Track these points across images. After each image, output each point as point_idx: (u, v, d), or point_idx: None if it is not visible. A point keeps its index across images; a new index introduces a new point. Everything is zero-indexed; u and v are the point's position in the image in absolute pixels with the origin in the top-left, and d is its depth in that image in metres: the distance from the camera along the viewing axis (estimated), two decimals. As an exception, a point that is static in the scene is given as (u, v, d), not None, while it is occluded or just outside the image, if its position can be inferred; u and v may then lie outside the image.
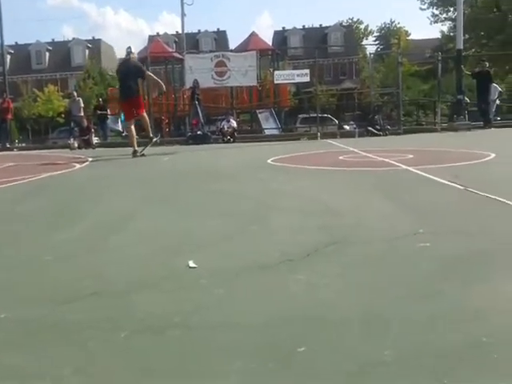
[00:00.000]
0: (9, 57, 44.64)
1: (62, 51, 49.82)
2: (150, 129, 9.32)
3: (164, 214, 3.47)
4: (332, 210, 3.35)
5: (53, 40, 51.86)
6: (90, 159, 8.42)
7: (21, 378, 1.36)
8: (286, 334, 1.55)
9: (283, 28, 52.58)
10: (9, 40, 33.17)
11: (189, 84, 16.40)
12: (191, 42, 44.99)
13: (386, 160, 6.14)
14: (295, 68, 35.39)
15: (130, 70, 8.72)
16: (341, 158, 6.94)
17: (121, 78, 9.07)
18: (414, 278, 2.01)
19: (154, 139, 9.35)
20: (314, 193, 4.11)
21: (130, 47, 9.26)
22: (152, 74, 9.67)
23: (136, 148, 8.57)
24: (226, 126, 15.11)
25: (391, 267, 2.15)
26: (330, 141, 11.69)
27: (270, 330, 1.58)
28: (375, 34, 56.10)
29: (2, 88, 20.29)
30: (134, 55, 9.23)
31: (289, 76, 17.64)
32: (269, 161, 6.70)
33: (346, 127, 21.88)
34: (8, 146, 16.19)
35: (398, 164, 5.62)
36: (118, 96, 9.78)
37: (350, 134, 15.20)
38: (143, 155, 8.51)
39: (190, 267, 2.19)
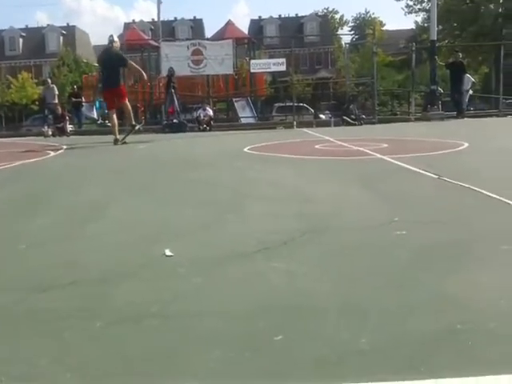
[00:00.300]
0: (-20, 43, 43.40)
1: (36, 38, 48.53)
2: (131, 116, 9.11)
3: (141, 203, 3.42)
4: (308, 199, 3.35)
5: (26, 26, 50.49)
6: (65, 147, 8.24)
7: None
8: (263, 322, 1.54)
9: (259, 17, 52.27)
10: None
11: (165, 72, 16.19)
12: (167, 30, 44.32)
13: (361, 149, 6.17)
14: (271, 57, 35.25)
15: (112, 59, 8.52)
16: (317, 146, 6.95)
17: (103, 68, 8.86)
18: (391, 267, 2.02)
19: (137, 126, 9.15)
20: (290, 181, 4.11)
21: (112, 35, 9.03)
22: (134, 64, 9.41)
23: (117, 136, 8.44)
24: (202, 115, 15.00)
25: (368, 256, 2.16)
26: (305, 130, 11.71)
27: (247, 319, 1.57)
28: (350, 24, 56.24)
29: (-27, 74, 19.69)
30: (116, 44, 8.82)
31: (265, 65, 17.59)
32: (245, 149, 6.67)
33: (322, 116, 21.91)
34: (-20, 133, 15.76)
35: (372, 153, 5.66)
36: (101, 85, 9.52)
37: (325, 124, 15.26)
38: (125, 143, 8.37)
39: (167, 256, 2.17)
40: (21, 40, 48.88)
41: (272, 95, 26.98)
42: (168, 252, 2.19)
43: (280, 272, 1.98)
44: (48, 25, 51.13)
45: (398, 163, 4.75)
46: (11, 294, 1.81)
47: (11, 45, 48.40)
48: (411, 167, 4.42)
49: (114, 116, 8.71)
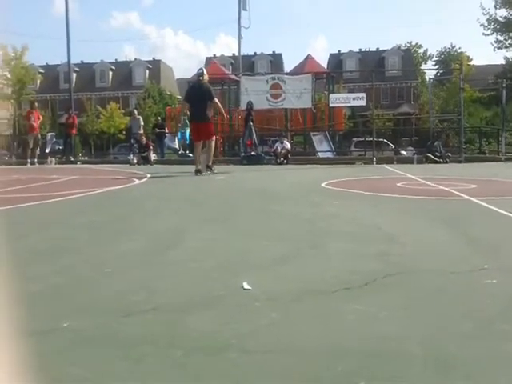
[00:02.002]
0: (75, 75, 47.16)
1: (124, 71, 52.08)
2: (210, 157, 8.98)
3: (219, 233, 3.49)
4: (390, 238, 3.26)
5: (116, 60, 54.44)
6: (149, 175, 8.68)
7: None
8: (342, 365, 1.50)
9: (339, 51, 52.67)
10: (75, 59, 35.02)
11: (244, 105, 16.67)
12: (247, 64, 45.90)
13: (447, 189, 5.94)
14: (351, 91, 35.33)
15: (201, 93, 8.68)
16: (398, 184, 6.79)
17: (191, 101, 8.93)
18: (479, 316, 1.90)
19: (208, 172, 8.87)
20: (371, 219, 4.02)
21: (201, 68, 9.24)
22: (218, 103, 9.37)
23: (199, 167, 8.63)
24: (279, 148, 15.20)
25: (455, 303, 2.05)
26: (386, 166, 11.49)
27: (326, 361, 1.54)
28: (435, 58, 55.09)
29: (68, 104, 21.37)
30: (205, 77, 8.98)
31: (344, 99, 17.61)
32: (323, 184, 6.65)
33: (403, 153, 21.44)
34: (72, 159, 16.97)
35: (460, 194, 5.43)
36: (185, 117, 9.74)
37: (407, 160, 14.88)
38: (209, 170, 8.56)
39: (245, 289, 2.19)
40: (110, 73, 52.66)
41: (351, 129, 26.91)
42: (246, 285, 2.21)
43: (361, 314, 1.92)
44: (135, 59, 54.74)
45: (488, 206, 4.52)
46: (95, 317, 1.89)
47: (101, 77, 52.25)
48: (503, 211, 4.18)
49: (199, 148, 8.83)
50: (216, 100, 9.17)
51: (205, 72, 9.14)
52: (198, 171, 8.60)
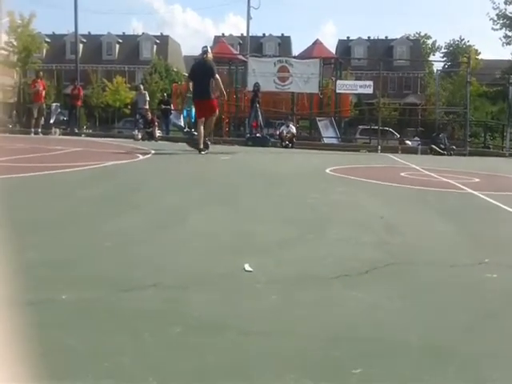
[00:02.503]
0: (81, 46, 46.63)
1: (131, 45, 51.54)
2: (206, 134, 8.96)
3: (222, 214, 3.49)
4: (391, 228, 3.26)
5: (123, 33, 53.78)
6: (153, 151, 8.66)
7: (79, 359, 1.39)
8: (340, 352, 1.50)
9: (348, 38, 52.10)
10: (82, 30, 34.63)
11: (250, 86, 16.54)
12: (255, 45, 45.46)
13: (451, 181, 5.93)
14: (358, 78, 35.01)
15: (204, 71, 8.68)
16: (402, 174, 6.78)
17: (194, 77, 8.97)
18: (477, 309, 1.91)
19: (202, 152, 8.78)
20: (374, 208, 4.02)
21: (206, 46, 9.18)
22: (219, 80, 9.29)
23: (201, 146, 8.64)
24: (285, 131, 15.13)
25: (454, 296, 2.06)
26: (390, 155, 11.46)
27: (324, 346, 1.54)
28: (443, 50, 54.51)
29: (74, 75, 21.21)
30: (209, 55, 8.96)
31: (351, 86, 17.48)
32: (327, 170, 6.63)
33: (408, 142, 21.35)
34: (76, 131, 16.89)
35: (463, 187, 5.41)
36: (190, 94, 9.69)
37: (412, 150, 14.84)
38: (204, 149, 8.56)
39: (246, 270, 2.18)
40: (117, 46, 52.10)
41: (356, 117, 26.76)
42: (248, 267, 2.21)
43: (360, 302, 1.93)
44: (143, 33, 54.12)
45: (491, 200, 4.51)
46: (93, 290, 1.89)
47: (108, 50, 51.73)
48: (505, 206, 4.17)
49: (202, 126, 8.83)
50: (217, 77, 9.10)
51: (209, 50, 9.13)
52: (201, 150, 8.58)
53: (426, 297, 2.03)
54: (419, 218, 3.72)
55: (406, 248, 2.75)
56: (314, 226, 3.23)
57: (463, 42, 52.36)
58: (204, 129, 8.90)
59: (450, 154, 13.29)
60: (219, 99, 17.21)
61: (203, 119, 8.90)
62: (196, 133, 9.20)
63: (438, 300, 2.00)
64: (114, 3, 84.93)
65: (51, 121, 17.30)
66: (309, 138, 19.32)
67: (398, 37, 51.20)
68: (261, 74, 17.24)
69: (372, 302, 1.92)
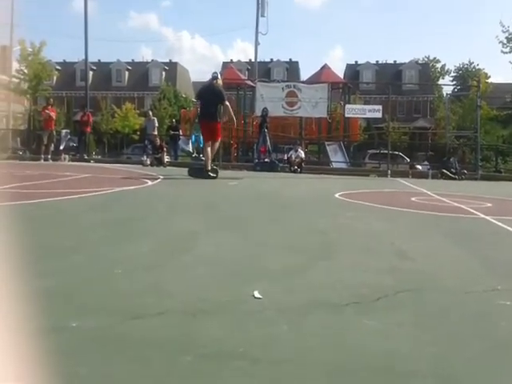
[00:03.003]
0: (91, 73, 47.56)
1: (140, 71, 52.47)
2: (211, 157, 9.09)
3: (230, 239, 3.50)
4: (403, 254, 3.25)
5: (132, 60, 54.88)
6: (161, 177, 8.74)
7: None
8: (352, 381, 1.50)
9: (356, 62, 52.64)
10: (92, 57, 35.38)
11: (259, 111, 16.72)
12: (263, 71, 46.02)
13: (462, 206, 5.90)
14: (367, 103, 35.23)
15: (212, 94, 8.86)
16: (413, 199, 6.76)
17: (202, 100, 9.19)
18: (490, 338, 1.88)
19: (208, 175, 8.89)
20: (384, 233, 4.01)
21: (216, 72, 9.44)
22: (229, 106, 9.50)
23: (208, 168, 8.75)
24: (293, 156, 15.22)
25: (466, 323, 2.04)
26: (400, 180, 11.45)
27: (337, 375, 1.53)
28: (452, 74, 54.84)
29: (84, 102, 21.59)
30: (219, 80, 9.18)
31: (360, 110, 17.61)
32: (337, 195, 6.64)
33: (418, 167, 21.34)
34: (85, 157, 17.10)
35: (474, 212, 5.38)
36: (197, 119, 9.87)
37: (422, 175, 14.82)
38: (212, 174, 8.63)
39: (256, 297, 2.18)
40: (126, 73, 53.06)
41: (366, 141, 26.82)
42: (257, 294, 2.21)
43: (372, 330, 1.91)
44: (152, 60, 55.14)
45: (504, 226, 4.47)
46: (104, 317, 1.89)
47: (118, 76, 52.67)
48: (519, 231, 4.14)
49: (209, 148, 8.97)
50: (227, 103, 9.29)
51: (219, 76, 9.34)
52: (207, 172, 8.68)
53: (438, 324, 2.02)
54: (430, 243, 3.70)
55: (418, 274, 2.74)
56: (323, 251, 3.23)
57: (472, 66, 52.69)
58: (211, 153, 9.01)
59: (461, 179, 13.27)
60: (229, 125, 17.44)
61: (210, 143, 9.03)
62: (203, 158, 9.30)
63: (451, 328, 1.98)
64: (123, 31, 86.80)
65: (61, 147, 17.54)
66: (317, 163, 19.40)
67: (407, 61, 51.67)
68: (269, 99, 17.44)
69: (383, 330, 1.91)
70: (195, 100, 9.96)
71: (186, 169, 10.38)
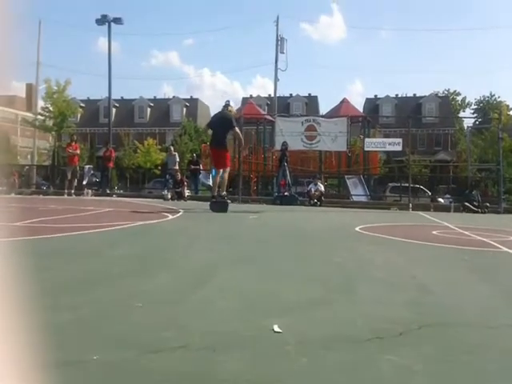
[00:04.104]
0: (114, 110, 48.78)
1: (162, 108, 53.58)
2: (224, 188, 9.15)
3: (250, 273, 3.50)
4: (424, 287, 3.21)
5: (154, 97, 56.09)
6: (182, 211, 8.83)
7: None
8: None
9: (375, 96, 52.97)
10: (115, 94, 36.28)
11: (278, 145, 16.85)
12: (283, 106, 46.62)
13: (486, 240, 5.81)
14: (386, 136, 35.23)
15: (222, 121, 9.03)
16: (434, 232, 6.69)
17: (212, 126, 9.32)
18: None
19: (214, 198, 9.06)
20: (405, 267, 3.98)
21: (228, 100, 9.70)
22: (239, 131, 9.74)
23: (215, 194, 8.92)
24: (313, 189, 15.22)
25: (492, 358, 1.99)
26: (422, 213, 11.34)
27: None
28: (473, 106, 54.78)
29: (107, 138, 22.08)
30: (230, 108, 9.40)
31: (380, 144, 17.55)
32: (357, 228, 6.62)
33: (440, 200, 21.12)
34: (108, 191, 17.37)
35: (498, 245, 5.30)
36: (210, 141, 10.00)
37: (444, 208, 14.64)
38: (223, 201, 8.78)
39: (275, 331, 2.17)
40: (148, 109, 54.25)
41: (386, 174, 26.76)
42: (276, 328, 2.20)
43: (394, 366, 1.88)
44: (174, 97, 56.29)
45: (528, 259, 4.39)
46: (125, 351, 1.90)
47: (140, 113, 53.87)
48: (544, 265, 4.05)
49: (218, 176, 9.09)
50: (237, 129, 9.45)
51: (231, 104, 9.57)
52: (213, 197, 8.83)
53: (462, 360, 1.97)
54: (453, 277, 3.64)
55: (440, 308, 2.69)
56: (343, 285, 3.20)
57: (494, 98, 52.61)
58: (221, 183, 9.12)
59: (484, 212, 13.07)
60: (249, 158, 17.56)
61: (219, 171, 9.14)
62: (224, 193, 9.40)
63: (475, 363, 1.94)
64: (145, 69, 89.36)
65: (84, 182, 17.86)
66: (337, 196, 19.34)
67: (427, 94, 51.78)
68: (288, 133, 17.58)
69: (406, 366, 1.87)
70: (207, 125, 10.10)
71: (207, 203, 10.49)
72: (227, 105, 9.41)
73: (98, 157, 33.78)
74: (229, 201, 9.49)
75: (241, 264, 3.84)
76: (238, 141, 9.52)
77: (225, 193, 9.26)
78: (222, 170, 9.09)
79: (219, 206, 8.79)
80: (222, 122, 9.04)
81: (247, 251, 4.52)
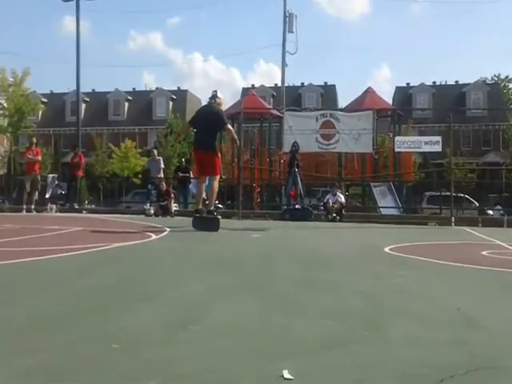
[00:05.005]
0: (84, 105, 49.17)
1: (142, 102, 53.92)
2: (213, 201, 9.25)
3: (252, 305, 3.51)
4: (472, 322, 3.21)
5: (133, 89, 56.47)
6: (168, 229, 8.88)
7: None
8: None
9: (407, 84, 53.21)
10: (85, 87, 36.54)
11: (287, 147, 16.90)
12: (293, 97, 46.92)
13: (547, 261, 5.82)
14: (422, 133, 35.42)
15: (210, 117, 8.99)
16: (483, 253, 6.72)
17: (197, 124, 9.32)
18: None
19: (198, 212, 9.10)
20: (447, 296, 3.99)
21: (216, 91, 9.63)
22: (231, 129, 9.72)
23: (200, 207, 8.94)
24: (331, 201, 15.25)
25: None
26: (467, 229, 11.34)
27: None
28: (531, 95, 54.84)
29: (75, 140, 22.21)
30: (219, 100, 9.38)
31: (414, 143, 17.60)
32: (386, 249, 6.66)
33: (490, 212, 21.10)
34: (76, 206, 17.45)
35: None
36: (193, 143, 10.00)
37: (495, 222, 14.65)
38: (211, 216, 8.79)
39: (285, 379, 2.18)
40: (126, 104, 54.55)
41: (422, 181, 26.81)
42: (286, 374, 2.21)
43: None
44: (157, 88, 56.66)
45: None
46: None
47: (115, 109, 54.14)
48: None
49: (203, 185, 9.14)
50: (229, 126, 9.48)
51: (219, 95, 9.54)
52: (197, 211, 8.91)
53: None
54: (508, 309, 3.65)
55: (492, 348, 2.69)
56: (369, 320, 3.20)
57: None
58: (207, 196, 9.17)
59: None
60: (251, 163, 17.69)
61: (205, 178, 9.17)
62: (220, 205, 9.44)
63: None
64: (122, 55, 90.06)
65: (47, 195, 17.96)
66: (362, 209, 19.38)
67: (472, 81, 51.90)
68: (300, 132, 17.66)
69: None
70: (189, 122, 10.15)
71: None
72: (214, 96, 9.41)
73: (64, 163, 33.97)
74: (219, 216, 9.47)
75: (241, 295, 3.85)
76: (233, 140, 9.55)
77: (216, 206, 9.28)
78: (208, 178, 9.13)
79: (206, 223, 8.75)
80: (209, 118, 8.99)
81: (249, 279, 4.54)
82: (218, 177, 9.26)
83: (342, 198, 15.76)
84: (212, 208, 9.20)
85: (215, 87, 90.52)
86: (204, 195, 9.25)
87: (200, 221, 8.84)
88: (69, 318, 3.09)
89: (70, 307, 3.34)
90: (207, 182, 9.29)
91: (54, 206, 16.90)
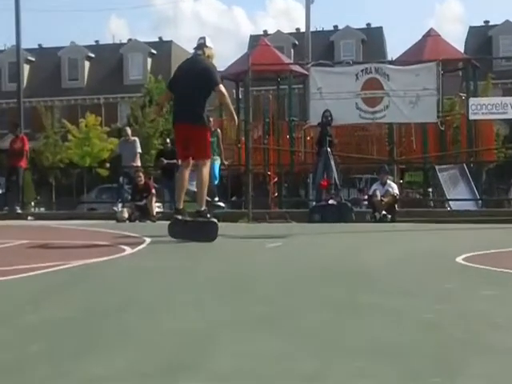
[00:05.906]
0: (27, 67, 49.38)
1: (109, 60, 53.97)
2: (203, 197, 9.13)
3: (268, 345, 3.50)
4: None
5: (97, 42, 56.49)
6: (148, 240, 8.94)
7: None
8: None
9: (486, 23, 52.91)
10: (29, 41, 36.50)
11: (316, 118, 16.85)
12: (322, 47, 46.99)
13: None
14: (508, 93, 35.10)
15: (195, 75, 8.84)
16: None
17: (177, 87, 9.14)
18: None
19: (178, 214, 9.08)
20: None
21: (203, 37, 9.40)
22: (225, 92, 9.27)
23: (181, 206, 8.91)
24: (379, 193, 15.23)
25: None
26: None
27: None
28: None
29: (15, 117, 22.26)
30: (209, 51, 9.22)
31: (497, 108, 17.50)
32: (459, 259, 6.68)
33: None
34: (19, 211, 17.50)
35: None
36: (172, 114, 9.66)
37: None
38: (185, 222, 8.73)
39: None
40: (87, 64, 54.44)
41: (509, 161, 26.64)
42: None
43: None
44: (130, 40, 56.55)
45: None
46: None
47: (71, 72, 53.99)
48: None
49: (187, 173, 9.03)
50: (221, 87, 9.07)
51: (209, 44, 9.33)
52: (178, 212, 8.86)
53: None
54: None
55: None
56: (436, 360, 3.19)
57: None
58: (197, 188, 9.10)
59: None
60: (264, 143, 17.67)
61: (189, 162, 9.02)
62: (222, 204, 9.41)
63: None
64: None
65: (-23, 196, 18.08)
66: (422, 203, 19.31)
67: None
68: (333, 96, 17.60)
69: None
70: (167, 86, 10.07)
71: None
72: (201, 45, 9.26)
73: (1, 151, 34.14)
74: (214, 219, 9.30)
75: (252, 330, 3.85)
76: (228, 112, 9.33)
77: (215, 205, 9.19)
78: (199, 163, 8.96)
79: (194, 229, 8.71)
80: (195, 77, 8.86)
81: (263, 307, 4.54)
82: (209, 162, 9.19)
83: (395, 189, 15.74)
84: (203, 208, 9.07)
85: (212, 37, 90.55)
86: (193, 188, 9.15)
87: (182, 226, 8.80)
88: (12, 368, 3.09)
89: (16, 352, 3.35)
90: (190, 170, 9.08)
91: (-12, 212, 17.05)
